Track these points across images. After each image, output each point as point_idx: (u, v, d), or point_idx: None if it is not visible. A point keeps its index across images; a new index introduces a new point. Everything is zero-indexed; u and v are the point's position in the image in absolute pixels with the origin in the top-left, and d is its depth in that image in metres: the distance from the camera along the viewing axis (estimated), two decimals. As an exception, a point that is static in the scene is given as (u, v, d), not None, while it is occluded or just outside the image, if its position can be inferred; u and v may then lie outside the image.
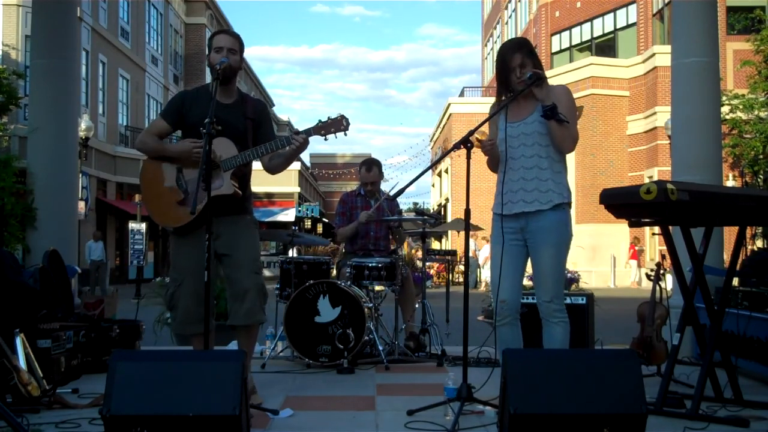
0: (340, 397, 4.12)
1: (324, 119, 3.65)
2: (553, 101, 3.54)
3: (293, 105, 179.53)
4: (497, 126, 3.76)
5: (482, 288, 18.70)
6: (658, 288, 4.78)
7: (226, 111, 3.76)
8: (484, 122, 3.71)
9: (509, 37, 32.98)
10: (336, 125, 3.62)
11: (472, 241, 20.94)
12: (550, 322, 3.62)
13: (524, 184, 3.62)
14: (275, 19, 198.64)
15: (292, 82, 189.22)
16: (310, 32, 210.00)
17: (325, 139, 3.65)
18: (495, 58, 3.79)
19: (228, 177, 3.67)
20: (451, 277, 13.28)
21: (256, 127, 3.86)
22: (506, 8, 33.83)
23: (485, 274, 20.08)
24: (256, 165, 3.91)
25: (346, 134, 3.65)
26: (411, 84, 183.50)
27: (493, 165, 3.77)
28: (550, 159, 3.64)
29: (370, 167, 5.86)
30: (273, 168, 3.87)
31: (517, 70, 3.61)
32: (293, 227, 7.86)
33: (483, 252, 20.88)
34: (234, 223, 3.81)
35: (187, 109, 3.81)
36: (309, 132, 3.63)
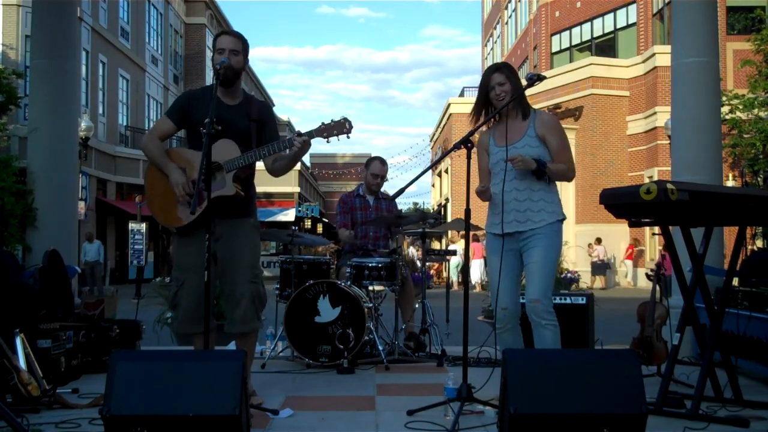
0: (340, 397, 4.12)
1: (327, 121, 3.64)
2: (538, 156, 3.66)
3: (296, 105, 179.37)
4: (487, 151, 3.86)
5: (477, 289, 18.66)
6: (658, 288, 4.78)
7: (231, 112, 3.77)
8: (483, 122, 3.75)
9: (509, 38, 33.13)
10: (339, 128, 3.61)
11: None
12: (538, 325, 3.64)
13: (517, 205, 3.72)
14: (279, 21, 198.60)
15: (295, 82, 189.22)
16: (315, 33, 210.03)
17: (327, 141, 3.65)
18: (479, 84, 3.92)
19: (230, 178, 3.67)
20: (447, 276, 13.31)
21: (260, 128, 3.86)
22: (506, 8, 33.83)
23: (475, 276, 19.88)
24: (258, 165, 3.91)
25: (348, 137, 3.65)
26: (414, 85, 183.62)
27: (486, 198, 3.84)
28: (542, 181, 3.74)
29: (384, 161, 5.96)
30: (276, 170, 3.87)
31: (496, 88, 3.72)
32: (293, 227, 7.84)
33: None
34: (236, 226, 3.81)
35: (192, 109, 3.81)
36: (311, 134, 3.63)
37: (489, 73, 3.79)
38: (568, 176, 3.79)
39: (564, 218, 3.78)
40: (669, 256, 3.98)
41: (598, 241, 20.98)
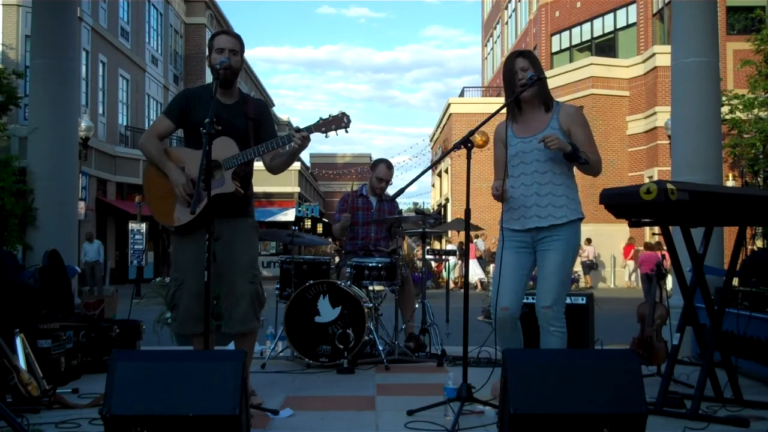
0: (340, 397, 4.12)
1: (325, 116, 3.64)
2: (571, 141, 3.56)
3: (296, 105, 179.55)
4: (504, 143, 3.74)
5: (479, 290, 18.68)
6: (658, 288, 4.78)
7: (228, 111, 3.77)
8: (483, 122, 3.72)
9: (509, 38, 33.11)
10: (337, 122, 3.62)
11: (481, 241, 21.07)
12: (547, 331, 3.61)
13: (538, 200, 3.64)
14: (280, 21, 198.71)
15: (296, 82, 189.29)
16: (315, 33, 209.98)
17: (326, 136, 3.65)
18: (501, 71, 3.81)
19: (229, 176, 3.67)
20: (449, 277, 13.28)
21: (257, 126, 3.86)
22: (506, 8, 33.82)
23: (475, 273, 19.89)
24: (257, 165, 3.91)
25: (347, 131, 3.65)
26: (414, 85, 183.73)
27: (503, 199, 3.72)
28: (564, 175, 3.67)
29: (391, 165, 5.92)
30: (275, 167, 3.87)
31: (519, 73, 3.63)
32: (293, 227, 7.85)
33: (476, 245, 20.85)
34: (235, 226, 3.80)
35: (190, 108, 3.81)
36: (310, 129, 3.63)
37: (512, 58, 3.70)
38: (599, 169, 3.66)
39: (583, 217, 3.71)
40: (669, 255, 3.98)
41: (588, 241, 21.09)
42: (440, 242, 28.47)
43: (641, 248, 21.98)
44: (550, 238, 3.62)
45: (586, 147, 3.63)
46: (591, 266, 21.32)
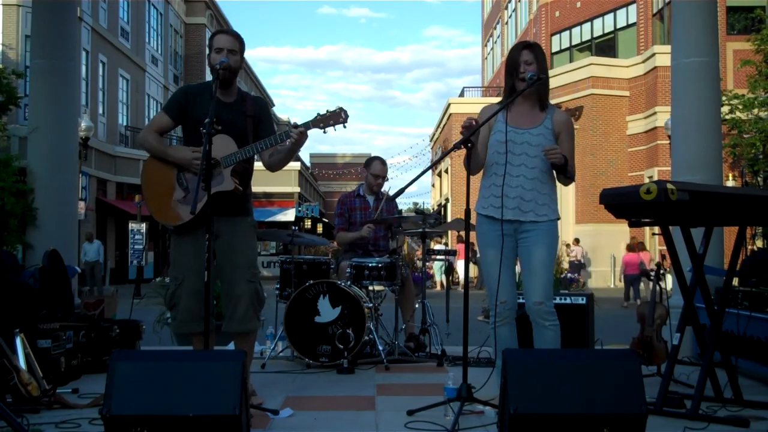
0: (340, 397, 4.12)
1: (323, 112, 3.65)
2: (562, 152, 3.58)
3: (297, 105, 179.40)
4: (491, 128, 3.72)
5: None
6: (657, 288, 4.78)
7: (227, 109, 3.77)
8: (484, 122, 3.70)
9: (509, 38, 33.11)
10: (335, 118, 3.62)
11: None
12: (542, 326, 3.61)
13: (522, 193, 3.63)
14: (280, 21, 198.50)
15: (296, 82, 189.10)
16: (316, 33, 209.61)
17: (324, 132, 3.66)
18: (505, 60, 3.81)
19: (228, 173, 3.67)
20: (450, 278, 13.27)
21: (256, 124, 3.86)
22: (506, 8, 33.82)
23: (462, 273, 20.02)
24: (257, 164, 3.91)
25: (345, 126, 3.65)
26: (415, 85, 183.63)
27: (471, 164, 3.67)
28: (549, 174, 3.69)
29: (384, 161, 5.95)
30: (273, 164, 3.87)
31: (522, 66, 3.62)
32: (293, 227, 7.85)
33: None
34: (234, 225, 3.80)
35: (189, 105, 3.81)
36: (308, 125, 3.63)
37: (519, 48, 3.68)
38: (573, 180, 3.75)
39: (560, 218, 3.76)
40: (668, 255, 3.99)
41: (576, 241, 21.13)
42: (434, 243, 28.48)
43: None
44: (534, 234, 3.63)
45: (567, 157, 3.66)
46: (580, 266, 21.32)
